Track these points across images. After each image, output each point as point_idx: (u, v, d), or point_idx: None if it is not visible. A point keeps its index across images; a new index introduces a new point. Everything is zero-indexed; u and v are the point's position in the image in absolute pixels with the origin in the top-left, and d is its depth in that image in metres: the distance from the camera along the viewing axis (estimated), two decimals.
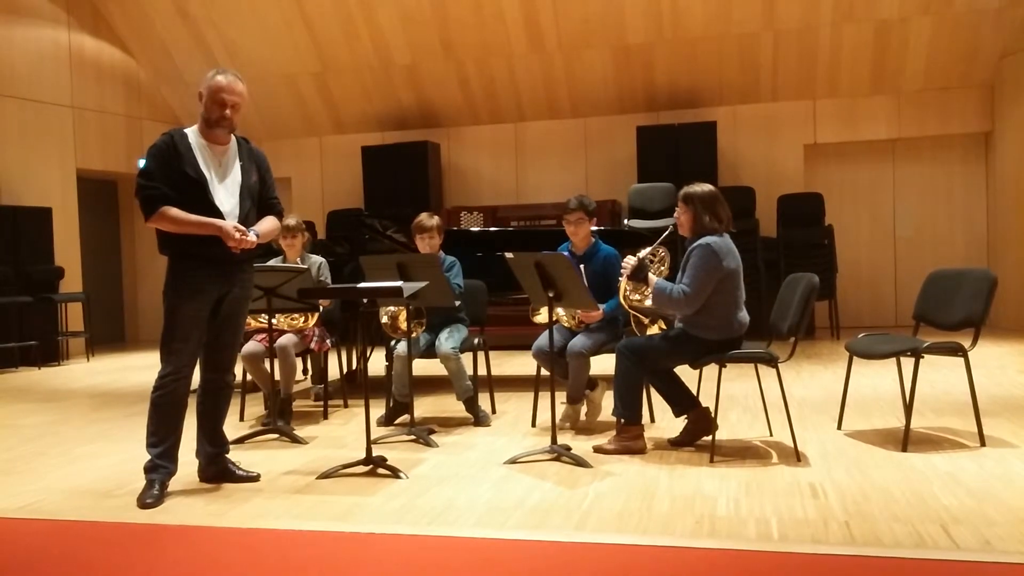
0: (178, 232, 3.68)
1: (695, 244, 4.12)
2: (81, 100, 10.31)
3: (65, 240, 9.82)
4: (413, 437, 4.63)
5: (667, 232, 4.38)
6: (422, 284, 4.07)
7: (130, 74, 11.08)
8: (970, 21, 9.14)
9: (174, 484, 3.92)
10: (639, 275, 4.26)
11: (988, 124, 9.75)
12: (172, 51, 10.89)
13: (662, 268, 4.41)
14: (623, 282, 4.34)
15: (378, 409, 5.19)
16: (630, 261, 4.28)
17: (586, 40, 9.84)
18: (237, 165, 3.82)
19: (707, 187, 4.22)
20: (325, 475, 3.93)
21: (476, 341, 5.30)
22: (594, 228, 5.03)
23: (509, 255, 4.27)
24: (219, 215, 3.69)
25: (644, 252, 4.34)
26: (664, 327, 4.59)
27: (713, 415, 4.24)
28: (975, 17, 9.09)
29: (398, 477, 3.87)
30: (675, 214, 4.29)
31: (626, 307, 4.41)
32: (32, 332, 8.99)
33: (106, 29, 10.74)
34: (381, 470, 3.93)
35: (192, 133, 3.77)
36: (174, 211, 3.65)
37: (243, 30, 10.37)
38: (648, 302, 4.30)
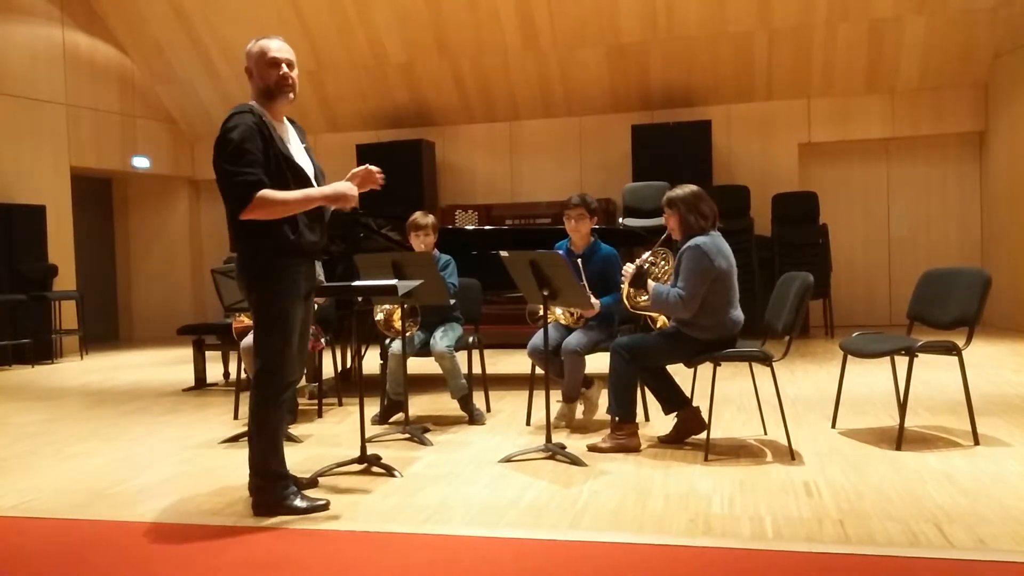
0: (282, 215, 3.23)
1: (685, 247, 4.13)
2: (75, 98, 10.28)
3: (59, 238, 9.80)
4: (407, 436, 4.63)
5: (665, 235, 4.38)
6: (417, 282, 4.06)
7: (124, 72, 11.05)
8: (964, 20, 9.16)
9: (171, 482, 3.92)
10: (639, 282, 4.28)
11: (982, 123, 9.77)
12: (166, 49, 10.86)
13: (666, 267, 4.41)
14: (625, 287, 4.35)
15: (372, 407, 5.18)
16: (629, 269, 4.29)
17: (581, 39, 9.84)
18: (301, 147, 3.48)
19: (688, 188, 4.25)
20: (319, 473, 3.92)
21: (471, 339, 5.30)
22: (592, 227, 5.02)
23: (504, 253, 4.27)
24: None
25: (643, 258, 4.35)
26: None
27: (705, 414, 4.24)
28: (969, 16, 9.11)
29: (392, 475, 3.86)
30: (663, 219, 4.31)
31: (630, 308, 4.40)
32: (25, 330, 8.97)
33: (100, 27, 10.71)
34: (375, 468, 3.93)
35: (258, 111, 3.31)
36: (271, 193, 3.19)
37: (237, 28, 10.34)
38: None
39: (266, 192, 3.20)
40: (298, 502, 3.35)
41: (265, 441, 3.36)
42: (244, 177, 3.17)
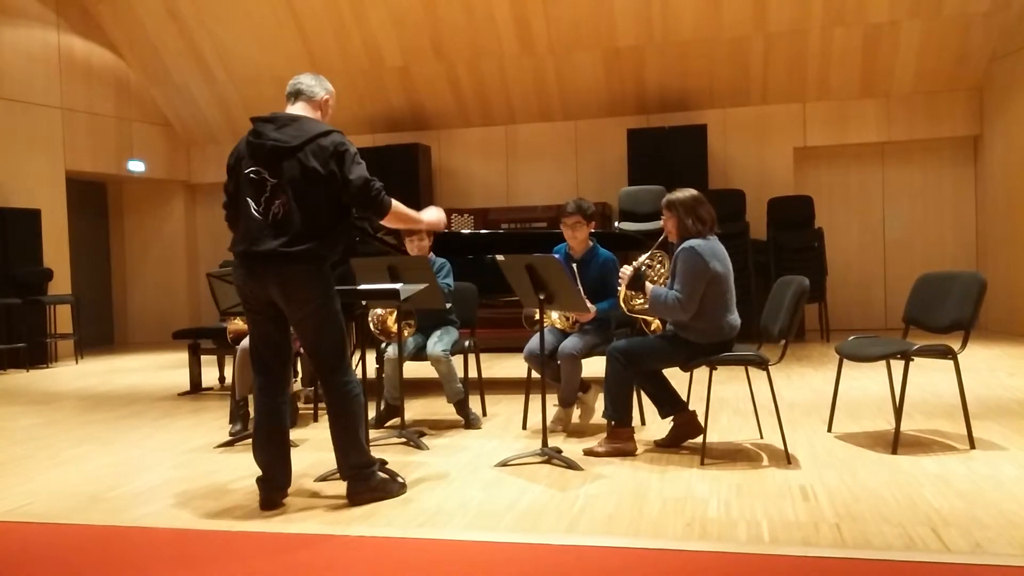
0: (396, 225, 3.62)
1: (680, 248, 4.14)
2: (70, 101, 10.26)
3: (54, 242, 9.77)
4: (404, 440, 4.63)
5: (662, 237, 4.39)
6: (419, 287, 4.06)
7: (120, 75, 11.04)
8: (959, 25, 9.19)
9: (167, 487, 3.92)
10: (636, 285, 4.28)
11: (977, 128, 9.80)
12: (162, 52, 10.85)
13: (662, 270, 4.41)
14: (622, 290, 4.35)
15: (369, 411, 5.17)
16: (627, 271, 4.29)
17: (577, 43, 9.85)
18: None
19: (688, 192, 4.26)
20: (317, 479, 3.91)
21: (467, 343, 5.29)
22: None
23: (500, 257, 4.27)
24: None
25: (640, 260, 4.35)
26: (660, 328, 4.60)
27: (701, 418, 4.24)
28: (964, 21, 9.15)
29: (396, 480, 3.85)
30: (661, 221, 4.31)
31: (626, 311, 4.40)
32: (20, 334, 8.94)
33: (96, 30, 10.69)
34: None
35: None
36: (396, 202, 3.54)
37: (233, 32, 10.34)
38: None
39: (393, 200, 3.52)
40: (390, 484, 3.62)
41: (360, 430, 3.58)
42: (381, 185, 3.46)
